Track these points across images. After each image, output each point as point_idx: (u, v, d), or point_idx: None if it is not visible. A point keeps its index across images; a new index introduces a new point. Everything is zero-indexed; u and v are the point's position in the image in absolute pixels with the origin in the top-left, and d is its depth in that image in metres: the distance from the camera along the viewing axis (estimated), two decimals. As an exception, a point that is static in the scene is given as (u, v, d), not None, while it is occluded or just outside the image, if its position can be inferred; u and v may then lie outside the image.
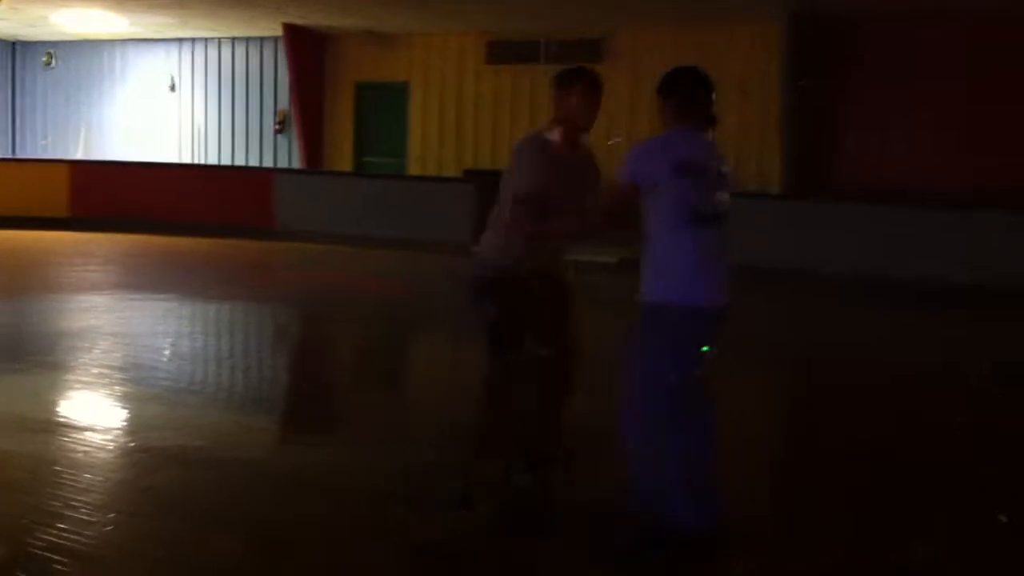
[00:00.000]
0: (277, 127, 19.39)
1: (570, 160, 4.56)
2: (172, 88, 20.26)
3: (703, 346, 3.95)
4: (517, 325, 4.56)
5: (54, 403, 6.40)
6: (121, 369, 7.31)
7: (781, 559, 4.16)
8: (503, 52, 17.24)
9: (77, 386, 6.86)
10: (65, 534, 4.15)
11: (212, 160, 19.93)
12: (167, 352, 8.13)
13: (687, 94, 4.07)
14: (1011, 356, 8.96)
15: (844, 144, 14.63)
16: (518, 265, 4.50)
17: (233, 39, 19.62)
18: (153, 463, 5.18)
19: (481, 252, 4.65)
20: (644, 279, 4.00)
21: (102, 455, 5.29)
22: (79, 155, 20.42)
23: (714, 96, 4.09)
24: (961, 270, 11.86)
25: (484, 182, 15.19)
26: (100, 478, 4.94)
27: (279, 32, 17.89)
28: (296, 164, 18.86)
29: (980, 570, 4.22)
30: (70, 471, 4.94)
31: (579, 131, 4.59)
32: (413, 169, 18.10)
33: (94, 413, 6.26)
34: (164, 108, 20.35)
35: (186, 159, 20.02)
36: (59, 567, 3.86)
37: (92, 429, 5.73)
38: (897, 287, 11.80)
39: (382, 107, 18.61)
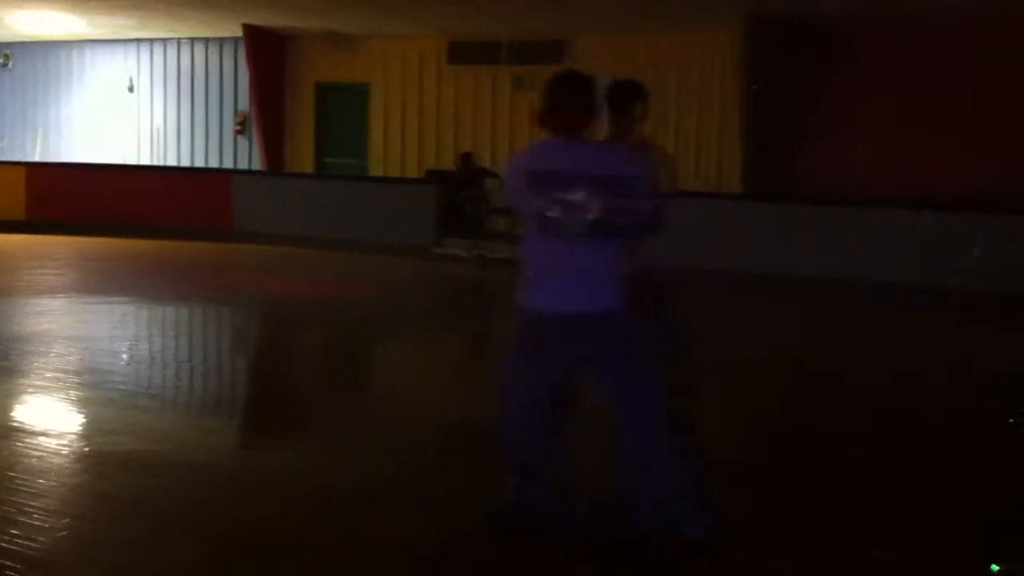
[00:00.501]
0: (238, 128, 19.27)
1: None
2: (131, 89, 20.07)
3: (563, 351, 4.02)
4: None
5: (8, 408, 6.31)
6: (77, 373, 7.24)
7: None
8: (464, 53, 17.23)
9: (32, 390, 6.78)
10: (19, 540, 4.10)
11: (172, 162, 19.77)
12: (124, 356, 8.06)
13: (555, 102, 4.03)
14: (968, 355, 9.08)
15: (803, 147, 14.72)
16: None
17: (193, 40, 19.47)
18: (109, 468, 5.13)
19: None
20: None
21: (57, 460, 5.23)
22: (36, 157, 20.20)
23: (591, 97, 4.02)
24: (919, 271, 11.96)
25: (443, 181, 15.27)
26: (54, 483, 4.89)
27: (239, 33, 17.76)
28: (257, 166, 18.75)
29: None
30: (24, 476, 4.89)
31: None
32: (375, 170, 18.03)
33: (49, 418, 6.19)
34: (123, 110, 20.16)
35: (145, 161, 19.83)
36: (12, 573, 3.82)
37: (47, 434, 5.66)
38: (856, 289, 11.89)
39: (343, 108, 18.54)
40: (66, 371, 7.26)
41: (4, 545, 4.04)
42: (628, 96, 4.73)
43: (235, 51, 18.84)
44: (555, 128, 4.00)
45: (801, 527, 4.55)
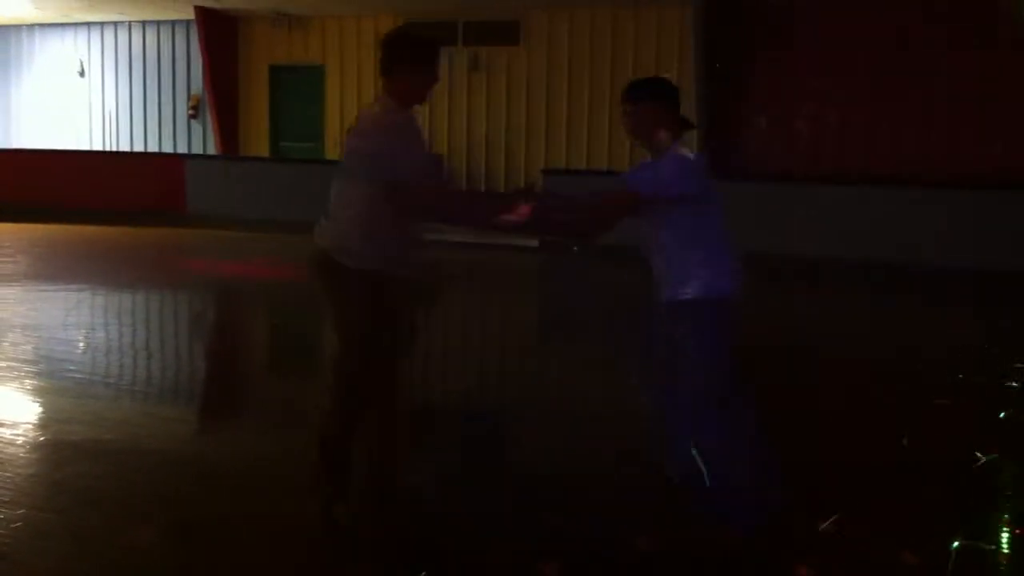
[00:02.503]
0: (191, 112, 19.10)
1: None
2: (81, 73, 19.83)
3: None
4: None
5: (-39, 398, 6.26)
6: (30, 362, 7.18)
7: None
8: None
9: (-15, 380, 6.71)
10: (-28, 531, 4.08)
11: (124, 147, 19.58)
12: (79, 344, 7.99)
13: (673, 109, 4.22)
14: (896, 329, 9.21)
15: (755, 124, 14.82)
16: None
17: (144, 23, 19.25)
18: (64, 456, 5.11)
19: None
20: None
21: (11, 449, 5.19)
22: (-15, 143, 19.94)
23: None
24: (863, 247, 12.17)
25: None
26: (9, 473, 4.85)
27: (191, 15, 17.60)
28: (211, 150, 18.61)
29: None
30: (-23, 467, 4.85)
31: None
32: (331, 153, 17.97)
33: (3, 407, 6.13)
34: (73, 94, 19.92)
35: (97, 146, 19.63)
36: (-34, 565, 3.80)
37: (1, 423, 5.62)
38: (797, 264, 12.04)
39: (297, 91, 18.43)
40: (19, 360, 7.20)
41: (-42, 537, 4.02)
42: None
43: (187, 33, 18.67)
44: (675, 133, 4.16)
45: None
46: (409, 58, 4.21)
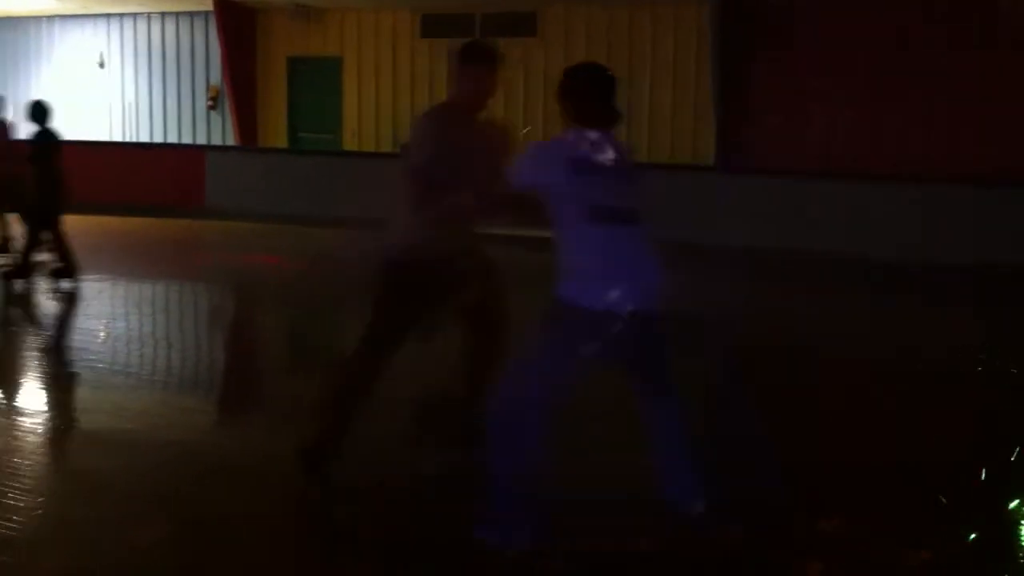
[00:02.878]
0: (210, 104, 19.16)
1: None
2: (101, 65, 19.91)
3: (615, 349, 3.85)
4: (409, 324, 4.50)
5: (-18, 388, 6.33)
6: (50, 352, 7.25)
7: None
8: (437, 26, 17.19)
9: (6, 370, 6.78)
10: (-7, 519, 4.14)
11: (144, 138, 19.65)
12: (100, 334, 8.05)
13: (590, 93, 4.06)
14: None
15: (774, 119, 14.78)
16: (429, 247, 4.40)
17: (163, 14, 19.32)
18: (83, 447, 5.17)
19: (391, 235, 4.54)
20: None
21: (31, 439, 5.26)
22: (6, 134, 20.02)
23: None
24: (884, 245, 12.18)
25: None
26: (29, 462, 4.92)
27: (210, 7, 17.65)
28: (230, 141, 18.66)
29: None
30: (-1, 456, 4.92)
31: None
32: (348, 144, 18.00)
33: (24, 396, 6.20)
34: (93, 86, 20.00)
35: (116, 137, 19.71)
36: (-14, 552, 3.85)
37: (22, 413, 5.68)
38: (818, 262, 12.03)
39: (315, 82, 18.47)
40: (40, 350, 7.27)
41: (-22, 525, 4.08)
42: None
43: (206, 25, 18.71)
44: (591, 120, 3.95)
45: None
46: (458, 63, 4.54)
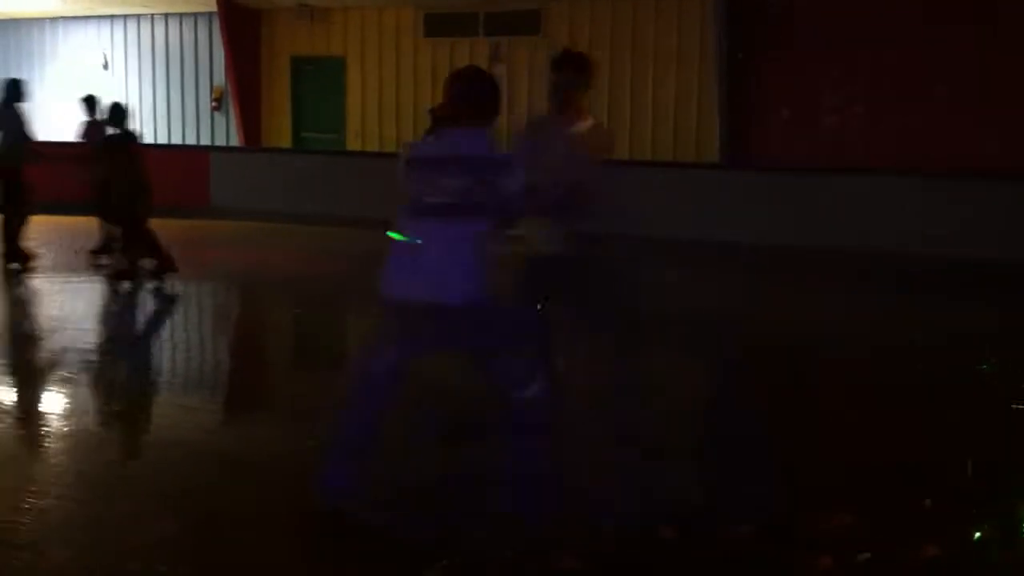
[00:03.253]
0: (214, 104, 19.18)
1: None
2: (105, 66, 19.93)
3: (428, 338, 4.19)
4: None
5: (-12, 389, 6.33)
6: (57, 352, 7.24)
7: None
8: (440, 25, 17.18)
9: (13, 370, 6.78)
10: (2, 519, 4.13)
11: (148, 139, 19.64)
12: (105, 335, 8.06)
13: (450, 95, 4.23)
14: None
15: (778, 115, 14.77)
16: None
17: (167, 15, 19.34)
18: (90, 447, 5.16)
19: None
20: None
21: (40, 439, 5.27)
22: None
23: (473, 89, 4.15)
24: (888, 240, 12.17)
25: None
26: (37, 462, 4.94)
27: (213, 8, 17.67)
28: (234, 141, 18.68)
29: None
30: (7, 456, 4.91)
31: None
32: (352, 144, 18.01)
33: (31, 397, 6.21)
34: (97, 87, 19.98)
35: (121, 138, 19.70)
36: (-7, 553, 3.85)
37: (29, 413, 5.69)
38: (823, 258, 12.01)
39: (319, 82, 18.47)
40: (48, 351, 7.27)
41: (-14, 525, 4.07)
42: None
43: (210, 26, 18.74)
44: (459, 119, 4.11)
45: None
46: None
